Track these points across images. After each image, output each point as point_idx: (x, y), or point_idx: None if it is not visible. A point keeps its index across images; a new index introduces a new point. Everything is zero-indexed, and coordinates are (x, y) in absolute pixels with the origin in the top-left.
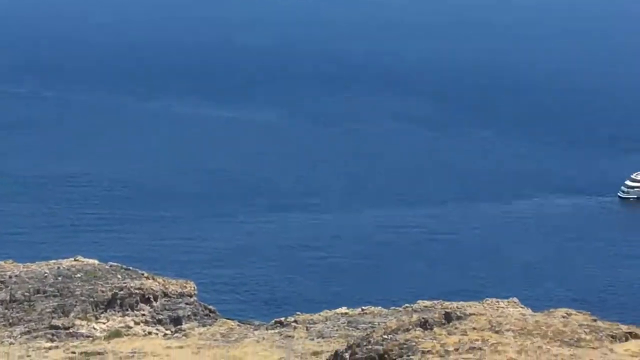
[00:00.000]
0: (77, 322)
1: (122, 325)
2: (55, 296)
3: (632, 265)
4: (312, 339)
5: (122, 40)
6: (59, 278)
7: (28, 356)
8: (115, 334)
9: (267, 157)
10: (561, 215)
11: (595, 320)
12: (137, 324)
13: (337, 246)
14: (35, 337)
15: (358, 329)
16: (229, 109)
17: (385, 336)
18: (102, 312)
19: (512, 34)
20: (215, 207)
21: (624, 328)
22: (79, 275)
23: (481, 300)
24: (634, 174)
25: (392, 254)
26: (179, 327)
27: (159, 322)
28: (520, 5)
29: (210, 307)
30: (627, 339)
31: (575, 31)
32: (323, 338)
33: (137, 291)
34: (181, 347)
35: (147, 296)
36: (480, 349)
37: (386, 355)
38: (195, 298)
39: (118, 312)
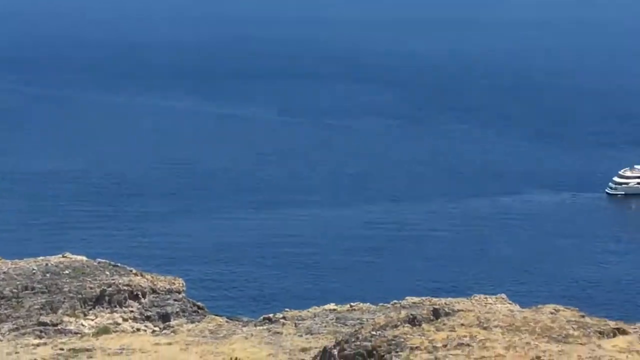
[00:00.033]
0: (65, 318)
1: (110, 321)
2: (43, 293)
3: (619, 261)
4: (301, 335)
5: (110, 38)
6: (47, 275)
7: (16, 353)
8: (104, 330)
9: (255, 154)
10: (549, 211)
11: (583, 316)
12: (125, 320)
13: (325, 243)
14: (24, 333)
15: (346, 325)
16: (215, 106)
17: (374, 332)
18: (90, 309)
19: (496, 29)
20: (203, 203)
21: (612, 324)
22: (67, 271)
23: (469, 297)
24: (622, 171)
25: (380, 251)
26: (167, 323)
27: (148, 318)
28: (511, 3)
29: (199, 303)
30: (614, 335)
31: (560, 26)
32: (311, 334)
33: (125, 288)
34: (170, 344)
35: (135, 293)
36: (468, 345)
37: (374, 352)
38: (184, 294)
39: (106, 308)
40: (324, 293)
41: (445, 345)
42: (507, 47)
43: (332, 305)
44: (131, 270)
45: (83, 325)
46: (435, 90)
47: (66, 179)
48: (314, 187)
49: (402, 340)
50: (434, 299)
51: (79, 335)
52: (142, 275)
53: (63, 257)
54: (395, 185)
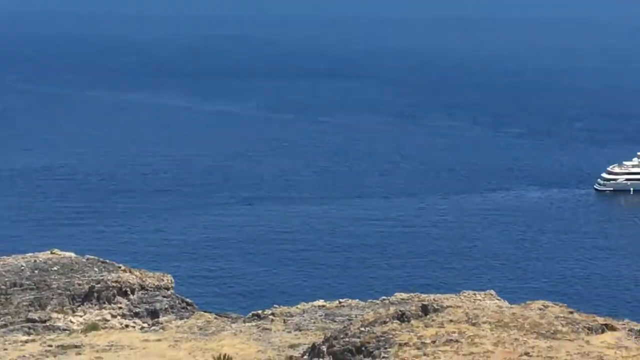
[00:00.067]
0: (54, 315)
1: (99, 318)
2: (31, 289)
3: (608, 257)
4: (290, 332)
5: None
6: (36, 271)
7: (4, 349)
8: (92, 327)
9: (245, 151)
10: (537, 207)
11: (571, 313)
12: (114, 317)
13: (314, 239)
14: (12, 330)
15: (335, 321)
16: (206, 103)
17: (363, 329)
18: (79, 305)
19: (488, 26)
20: (191, 200)
21: (600, 320)
22: (55, 268)
23: (458, 293)
24: (610, 167)
25: (368, 247)
26: (156, 320)
27: (136, 315)
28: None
29: (188, 300)
30: (603, 331)
31: (550, 25)
32: (300, 330)
33: (114, 284)
34: (158, 340)
35: (124, 289)
36: (457, 341)
37: (363, 348)
38: (173, 291)
39: (95, 305)
40: (313, 289)
41: (434, 342)
42: (498, 45)
43: (321, 302)
44: (120, 267)
45: (72, 321)
46: (426, 87)
47: (54, 175)
48: (304, 184)
49: (391, 336)
50: (423, 295)
51: (68, 331)
52: (130, 272)
53: (51, 253)
54: (385, 181)
